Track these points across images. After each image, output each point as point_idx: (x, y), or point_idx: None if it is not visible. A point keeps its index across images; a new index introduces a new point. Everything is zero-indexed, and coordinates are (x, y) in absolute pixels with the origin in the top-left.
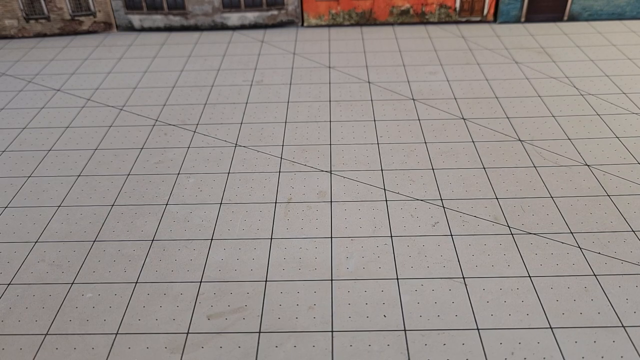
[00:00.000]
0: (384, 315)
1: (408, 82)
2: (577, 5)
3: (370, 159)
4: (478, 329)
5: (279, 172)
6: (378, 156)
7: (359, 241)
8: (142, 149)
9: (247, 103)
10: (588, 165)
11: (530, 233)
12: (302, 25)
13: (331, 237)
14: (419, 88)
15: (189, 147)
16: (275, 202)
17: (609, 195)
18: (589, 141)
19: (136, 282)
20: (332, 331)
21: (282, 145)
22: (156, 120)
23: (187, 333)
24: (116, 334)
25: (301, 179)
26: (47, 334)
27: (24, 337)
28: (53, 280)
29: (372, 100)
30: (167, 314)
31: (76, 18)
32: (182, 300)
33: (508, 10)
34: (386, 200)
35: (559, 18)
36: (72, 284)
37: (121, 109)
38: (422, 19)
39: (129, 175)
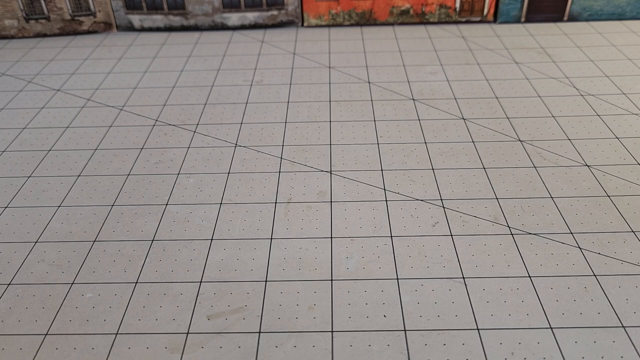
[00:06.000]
0: (384, 315)
1: (408, 82)
2: (577, 6)
3: (370, 159)
4: (478, 329)
5: (279, 172)
6: (378, 156)
7: (359, 241)
8: (142, 149)
9: (247, 103)
10: (588, 166)
11: (530, 233)
12: (302, 25)
13: (331, 237)
14: (419, 88)
15: (189, 147)
16: (275, 202)
17: (608, 196)
18: (589, 141)
19: (136, 282)
20: (332, 331)
21: (282, 145)
22: (156, 120)
23: (187, 333)
24: (116, 334)
25: (301, 179)
26: (47, 334)
27: (24, 337)
28: (53, 280)
29: (372, 100)
30: (167, 314)
31: (76, 18)
32: (182, 300)
33: (508, 10)
34: (386, 201)
35: (559, 18)
36: (72, 284)
37: (121, 109)
38: (422, 19)
39: (129, 175)
